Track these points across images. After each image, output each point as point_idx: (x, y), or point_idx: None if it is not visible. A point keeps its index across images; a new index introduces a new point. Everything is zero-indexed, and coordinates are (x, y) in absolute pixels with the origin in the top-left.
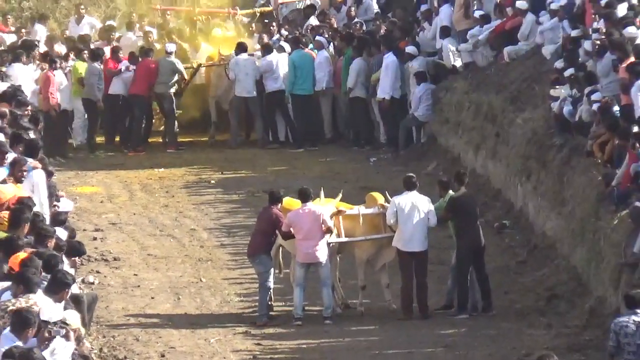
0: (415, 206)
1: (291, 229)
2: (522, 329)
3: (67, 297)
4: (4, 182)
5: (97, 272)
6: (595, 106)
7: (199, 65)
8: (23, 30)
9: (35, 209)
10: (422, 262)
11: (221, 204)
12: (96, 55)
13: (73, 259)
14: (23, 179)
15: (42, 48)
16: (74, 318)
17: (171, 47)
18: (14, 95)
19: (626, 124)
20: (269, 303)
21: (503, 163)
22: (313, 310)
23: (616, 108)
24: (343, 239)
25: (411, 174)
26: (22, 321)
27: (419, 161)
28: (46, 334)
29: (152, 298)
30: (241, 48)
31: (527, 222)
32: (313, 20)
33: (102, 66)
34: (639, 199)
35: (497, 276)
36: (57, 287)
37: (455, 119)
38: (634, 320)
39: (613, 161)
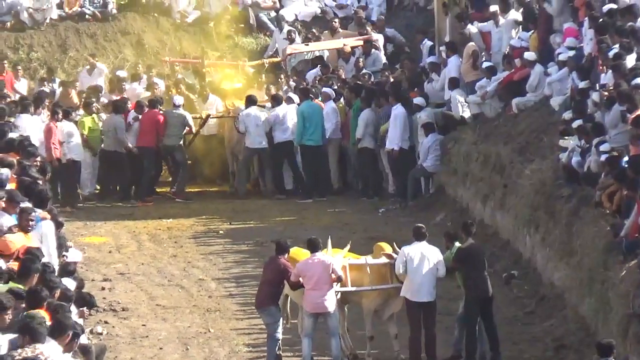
0: (425, 256)
1: (300, 279)
2: None
3: (76, 347)
4: (11, 231)
5: (106, 322)
6: (603, 157)
7: (207, 116)
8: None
9: (44, 259)
10: (430, 313)
11: (229, 254)
12: (119, 107)
13: (81, 309)
14: (30, 228)
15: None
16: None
17: (179, 100)
18: (22, 145)
19: (634, 174)
20: (278, 353)
21: (511, 214)
22: None
23: (625, 159)
24: (350, 288)
25: (420, 225)
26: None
27: (427, 212)
28: None
29: (161, 349)
30: (250, 101)
31: (536, 273)
32: (315, 72)
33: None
34: None
35: (506, 327)
36: (60, 332)
37: (464, 170)
38: None
39: (621, 212)
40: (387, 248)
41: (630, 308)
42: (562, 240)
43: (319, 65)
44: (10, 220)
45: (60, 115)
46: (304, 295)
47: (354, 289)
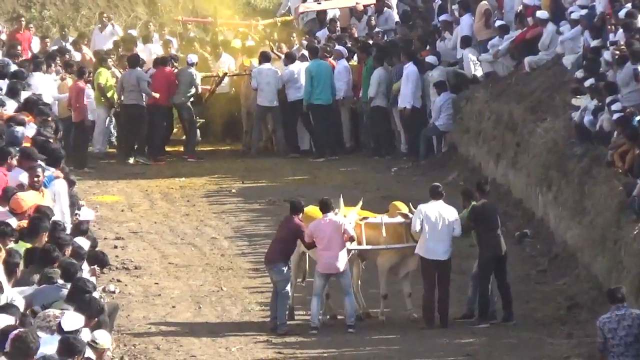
0: (441, 215)
1: (313, 239)
2: (543, 338)
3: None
4: (21, 187)
5: (118, 280)
6: (615, 116)
7: (225, 74)
8: (47, 40)
9: (56, 218)
10: (445, 271)
11: (242, 213)
12: (135, 61)
13: (92, 267)
14: (37, 185)
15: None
16: (104, 338)
17: (193, 59)
18: (36, 104)
19: None
20: (287, 312)
21: (524, 173)
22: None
23: (637, 118)
24: (365, 246)
25: (437, 184)
26: (70, 348)
27: (439, 171)
28: None
29: (173, 307)
30: (265, 57)
31: (548, 232)
32: (324, 31)
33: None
34: None
35: (518, 285)
36: (79, 296)
37: (476, 129)
38: (616, 314)
39: (634, 171)
40: (403, 207)
41: None
42: (574, 199)
43: (327, 26)
44: (26, 176)
45: (87, 75)
46: (316, 255)
47: (369, 247)
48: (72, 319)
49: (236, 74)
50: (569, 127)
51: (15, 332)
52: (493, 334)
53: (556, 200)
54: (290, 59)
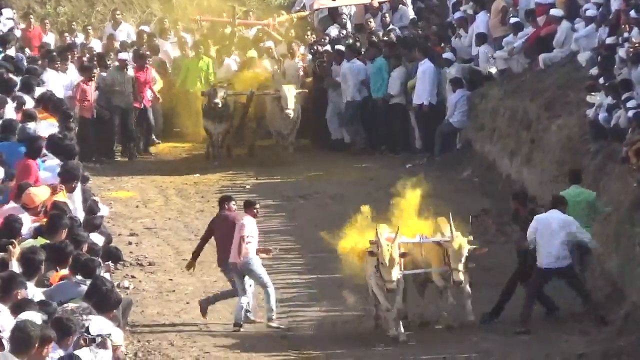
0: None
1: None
2: (557, 335)
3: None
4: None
5: (132, 276)
6: (631, 113)
7: (252, 94)
8: (66, 35)
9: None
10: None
11: None
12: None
13: (107, 263)
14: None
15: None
16: (116, 334)
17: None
18: (50, 100)
19: None
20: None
21: (538, 169)
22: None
23: None
24: (411, 271)
25: (557, 194)
26: (62, 328)
27: (454, 167)
28: (82, 342)
29: (187, 303)
30: (353, 52)
31: None
32: (335, 27)
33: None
34: None
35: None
36: (97, 292)
37: (491, 126)
38: None
39: None
40: (444, 225)
41: None
42: None
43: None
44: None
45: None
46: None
47: (410, 272)
48: (100, 324)
49: (264, 92)
50: (583, 124)
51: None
52: (507, 331)
53: None
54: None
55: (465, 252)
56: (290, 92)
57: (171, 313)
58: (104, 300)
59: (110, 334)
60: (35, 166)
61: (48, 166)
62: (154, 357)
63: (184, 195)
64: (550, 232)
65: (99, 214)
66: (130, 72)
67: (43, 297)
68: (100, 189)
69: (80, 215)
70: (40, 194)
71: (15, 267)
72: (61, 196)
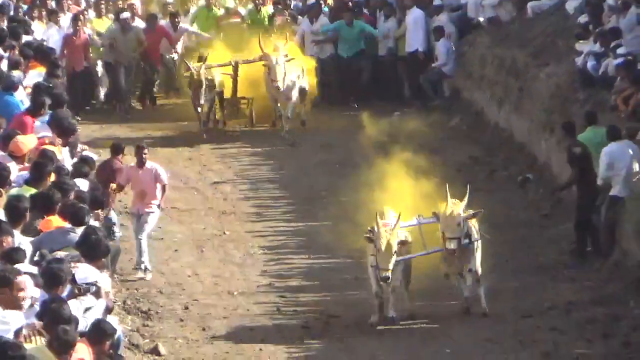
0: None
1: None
2: (546, 283)
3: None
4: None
5: (121, 224)
6: (619, 60)
7: (237, 64)
8: None
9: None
10: None
11: (245, 157)
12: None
13: (97, 212)
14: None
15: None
16: (105, 282)
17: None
18: (39, 50)
19: None
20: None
21: (526, 117)
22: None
23: None
24: (409, 256)
25: (614, 125)
26: (52, 277)
27: (442, 115)
28: (76, 291)
29: (176, 251)
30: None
31: (551, 176)
32: None
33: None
34: None
35: (521, 230)
36: (88, 241)
37: (479, 74)
38: None
39: (637, 115)
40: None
41: None
42: None
43: None
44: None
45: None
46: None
47: (409, 256)
48: (86, 271)
49: (248, 61)
50: (572, 72)
51: None
52: (495, 279)
53: (559, 145)
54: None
55: (459, 220)
56: (280, 62)
57: (160, 260)
58: (93, 248)
59: (96, 281)
60: (31, 122)
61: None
62: (142, 305)
63: (172, 143)
64: (630, 160)
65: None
66: (137, 26)
67: (30, 246)
68: (88, 137)
69: (68, 163)
70: (27, 142)
71: (1, 215)
72: (54, 149)
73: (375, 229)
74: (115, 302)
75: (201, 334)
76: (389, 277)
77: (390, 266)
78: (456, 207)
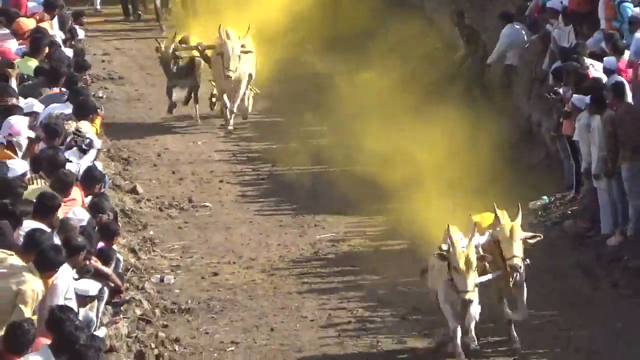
0: None
1: None
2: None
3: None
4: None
5: (105, 88)
6: None
7: (202, 47)
8: None
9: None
10: None
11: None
12: None
13: (84, 77)
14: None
15: None
16: (86, 127)
17: None
18: None
19: None
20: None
21: None
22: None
23: None
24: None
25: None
26: (51, 131)
27: None
28: (73, 142)
29: (151, 109)
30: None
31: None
32: None
33: None
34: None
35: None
36: (76, 96)
37: None
38: None
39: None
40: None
41: (532, 74)
42: None
43: None
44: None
45: None
46: None
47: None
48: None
49: (208, 46)
50: None
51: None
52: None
53: None
54: None
55: (519, 233)
56: (235, 50)
57: (138, 117)
58: (82, 106)
59: (80, 131)
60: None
61: None
62: (123, 153)
63: (153, 30)
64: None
65: (77, 38)
66: None
67: (33, 109)
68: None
69: (59, 36)
70: (28, 22)
71: (14, 85)
72: (46, 25)
73: (449, 244)
74: (100, 150)
75: (172, 177)
76: (472, 300)
77: (470, 287)
78: (516, 224)
